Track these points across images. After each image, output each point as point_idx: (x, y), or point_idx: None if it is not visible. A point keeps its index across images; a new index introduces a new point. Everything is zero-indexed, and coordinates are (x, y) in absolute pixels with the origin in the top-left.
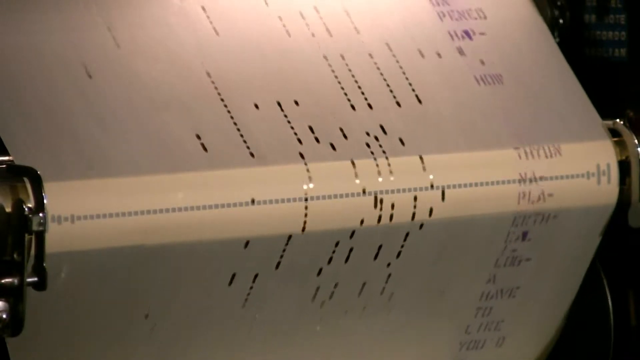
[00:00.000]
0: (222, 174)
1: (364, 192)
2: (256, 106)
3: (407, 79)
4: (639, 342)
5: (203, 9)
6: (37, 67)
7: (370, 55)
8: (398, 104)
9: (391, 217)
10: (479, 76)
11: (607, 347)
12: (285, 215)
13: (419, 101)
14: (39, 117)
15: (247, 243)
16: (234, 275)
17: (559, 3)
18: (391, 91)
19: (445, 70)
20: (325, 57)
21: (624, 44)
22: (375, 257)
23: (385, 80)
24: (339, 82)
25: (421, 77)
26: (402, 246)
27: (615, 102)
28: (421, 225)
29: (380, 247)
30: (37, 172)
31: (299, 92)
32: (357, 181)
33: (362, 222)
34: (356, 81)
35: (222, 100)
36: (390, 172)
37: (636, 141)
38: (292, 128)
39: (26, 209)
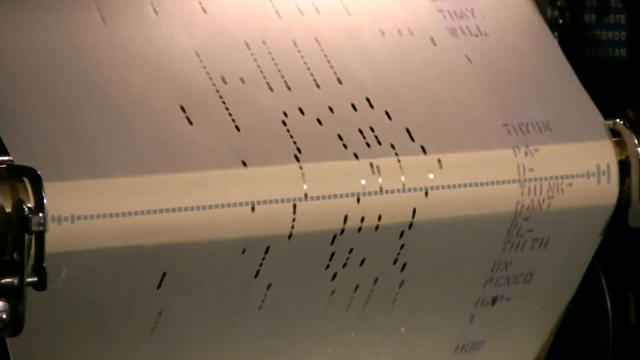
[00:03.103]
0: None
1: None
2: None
3: None
4: (639, 342)
5: None
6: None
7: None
8: None
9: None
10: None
11: (606, 348)
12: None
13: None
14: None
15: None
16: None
17: (559, 3)
18: None
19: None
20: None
21: (624, 44)
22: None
23: None
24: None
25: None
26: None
27: (615, 102)
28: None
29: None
30: (37, 172)
31: None
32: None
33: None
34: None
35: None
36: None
37: (636, 141)
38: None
39: (26, 209)
